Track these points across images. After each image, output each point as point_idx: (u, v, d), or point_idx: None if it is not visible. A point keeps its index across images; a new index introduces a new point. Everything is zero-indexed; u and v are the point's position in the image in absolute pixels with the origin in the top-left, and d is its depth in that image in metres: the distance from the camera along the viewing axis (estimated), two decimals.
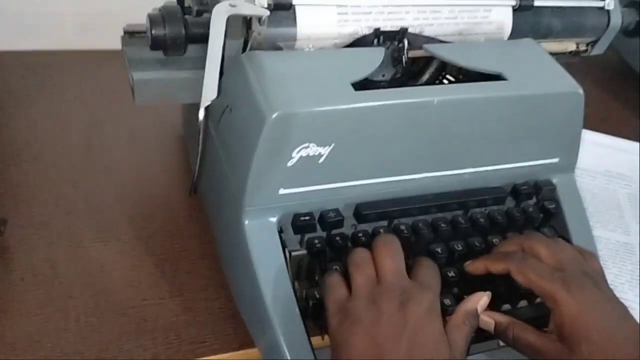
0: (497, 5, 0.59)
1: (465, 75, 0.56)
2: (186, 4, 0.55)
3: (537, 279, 0.47)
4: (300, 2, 0.52)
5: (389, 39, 0.56)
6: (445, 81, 0.59)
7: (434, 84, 0.58)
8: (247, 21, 0.51)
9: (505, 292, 0.52)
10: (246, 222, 0.49)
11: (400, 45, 0.56)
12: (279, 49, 0.52)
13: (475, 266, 0.51)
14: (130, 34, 0.54)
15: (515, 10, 0.59)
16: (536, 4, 0.60)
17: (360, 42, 0.55)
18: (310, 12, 0.53)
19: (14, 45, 0.81)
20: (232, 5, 0.49)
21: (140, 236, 0.61)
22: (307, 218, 0.50)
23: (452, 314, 0.47)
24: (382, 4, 0.55)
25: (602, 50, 0.67)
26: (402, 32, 0.56)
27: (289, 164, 0.47)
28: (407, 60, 0.56)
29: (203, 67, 0.49)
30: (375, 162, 0.51)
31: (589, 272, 0.48)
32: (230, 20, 0.49)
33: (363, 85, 0.50)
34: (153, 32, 0.50)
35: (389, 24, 0.55)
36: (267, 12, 0.50)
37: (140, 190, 0.66)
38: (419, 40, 0.56)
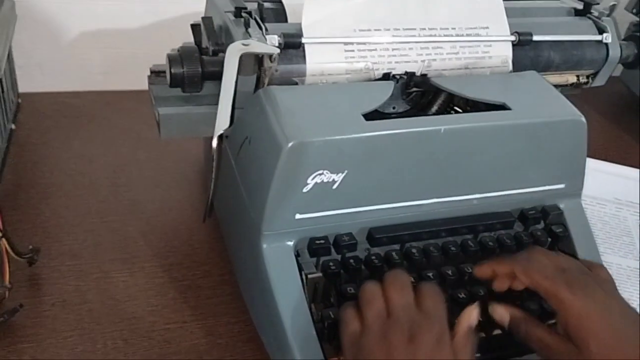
0: (498, 41, 0.62)
1: (472, 107, 0.59)
2: (203, 45, 0.59)
3: (540, 279, 0.48)
4: (309, 41, 0.56)
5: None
6: (452, 112, 0.62)
7: (442, 115, 0.61)
8: (259, 59, 0.54)
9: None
10: (264, 246, 0.51)
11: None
12: (294, 83, 0.56)
13: (483, 270, 0.52)
14: (156, 74, 0.58)
15: (514, 45, 0.62)
16: (535, 38, 0.62)
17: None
18: (318, 50, 0.56)
19: (44, 87, 0.86)
20: (244, 45, 0.52)
21: (163, 265, 0.63)
22: (322, 242, 0.53)
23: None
24: (387, 41, 0.58)
25: (603, 82, 0.70)
26: (410, 77, 0.59)
27: (305, 190, 0.50)
28: (416, 93, 0.59)
29: None
30: (386, 188, 0.53)
31: (591, 276, 0.49)
32: (243, 58, 0.52)
33: (374, 117, 0.53)
34: (172, 70, 0.54)
35: (394, 60, 0.58)
36: (278, 50, 0.53)
37: (163, 223, 0.69)
38: (426, 79, 0.59)
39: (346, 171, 0.51)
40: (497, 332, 0.54)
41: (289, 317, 0.51)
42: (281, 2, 0.62)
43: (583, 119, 0.57)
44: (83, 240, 0.65)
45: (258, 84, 0.55)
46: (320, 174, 0.50)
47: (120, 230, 0.67)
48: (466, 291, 0.54)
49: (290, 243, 0.52)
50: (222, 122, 0.51)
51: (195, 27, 0.61)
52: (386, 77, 0.58)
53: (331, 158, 0.50)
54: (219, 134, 0.51)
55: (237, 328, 0.58)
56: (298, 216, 0.51)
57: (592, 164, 0.74)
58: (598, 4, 0.70)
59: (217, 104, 0.55)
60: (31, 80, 0.86)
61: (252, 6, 0.58)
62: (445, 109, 0.62)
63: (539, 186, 0.59)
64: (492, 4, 0.63)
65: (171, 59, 0.55)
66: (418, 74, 0.59)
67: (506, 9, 0.63)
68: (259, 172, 0.52)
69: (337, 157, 0.50)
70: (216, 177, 0.55)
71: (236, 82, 0.52)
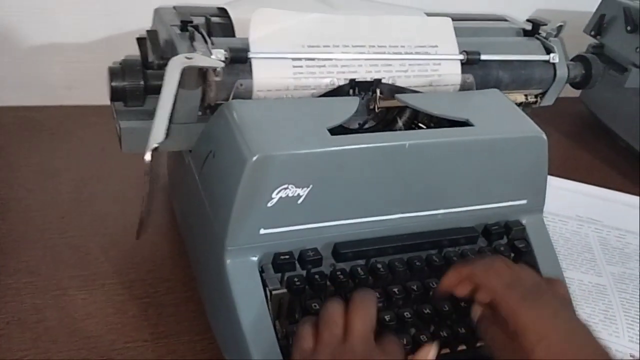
0: (446, 59, 0.62)
1: (436, 123, 0.60)
2: (150, 59, 0.58)
3: (496, 284, 0.48)
4: (256, 55, 0.55)
5: (364, 89, 0.59)
6: (417, 128, 0.62)
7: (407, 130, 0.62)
8: (203, 73, 0.54)
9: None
10: (228, 261, 0.51)
11: (374, 95, 0.59)
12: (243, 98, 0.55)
13: (449, 278, 0.51)
14: None
15: (463, 63, 0.63)
16: (483, 57, 0.63)
17: (336, 92, 0.58)
18: (265, 65, 0.56)
19: (4, 101, 0.85)
20: (188, 58, 0.52)
21: (124, 282, 0.62)
22: (287, 257, 0.52)
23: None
24: (335, 57, 0.58)
25: (551, 101, 0.71)
26: (376, 83, 0.59)
27: (269, 204, 0.50)
28: (380, 108, 0.59)
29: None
30: (352, 203, 0.53)
31: (547, 289, 0.49)
32: (186, 72, 0.52)
33: (339, 132, 0.53)
34: (113, 83, 0.53)
35: (342, 77, 0.58)
36: (222, 64, 0.53)
37: (125, 238, 0.67)
38: (391, 90, 0.60)
39: (311, 186, 0.50)
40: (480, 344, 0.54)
41: (253, 334, 0.50)
42: (229, 18, 0.61)
43: (544, 135, 0.58)
44: (42, 257, 0.63)
45: (204, 99, 0.55)
46: (285, 188, 0.50)
47: (81, 247, 0.65)
48: (431, 307, 0.54)
49: (255, 258, 0.52)
50: (157, 136, 0.50)
51: (141, 41, 0.60)
52: (351, 84, 0.58)
53: (296, 172, 0.50)
54: (152, 147, 0.50)
55: (199, 346, 0.57)
56: (262, 231, 0.51)
57: (554, 181, 0.76)
58: (546, 24, 0.71)
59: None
60: None
61: (200, 20, 0.58)
62: (409, 125, 0.62)
63: (502, 202, 0.60)
64: (441, 23, 0.64)
65: (112, 72, 0.54)
66: None
67: (456, 28, 0.64)
68: (223, 186, 0.51)
69: (302, 171, 0.50)
70: (150, 193, 0.54)
71: (176, 95, 0.51)
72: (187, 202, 0.62)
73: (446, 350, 0.54)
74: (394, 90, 0.60)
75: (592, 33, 0.96)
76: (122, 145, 0.55)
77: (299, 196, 0.51)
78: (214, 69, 0.53)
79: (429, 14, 0.67)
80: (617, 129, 0.98)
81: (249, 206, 0.50)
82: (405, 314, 0.53)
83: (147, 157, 0.50)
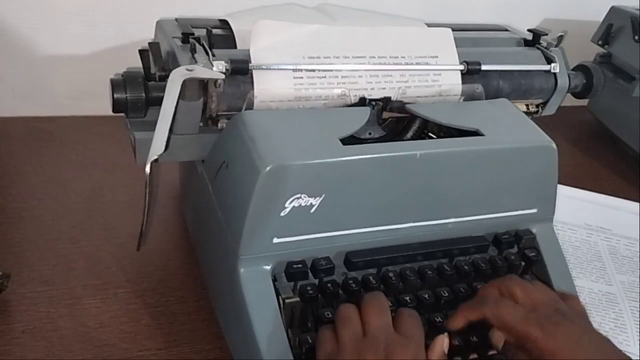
0: (447, 70, 0.63)
1: (446, 133, 0.60)
2: (152, 71, 0.58)
3: (512, 323, 0.49)
4: (257, 67, 0.55)
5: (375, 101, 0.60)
6: (427, 138, 0.62)
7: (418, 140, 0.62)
8: (204, 84, 0.54)
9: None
10: (241, 270, 0.51)
11: (384, 106, 0.60)
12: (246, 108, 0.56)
13: (456, 322, 0.52)
14: None
15: (463, 74, 0.63)
16: (484, 68, 0.63)
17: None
18: (266, 76, 0.56)
19: (16, 112, 0.85)
20: (189, 70, 0.52)
21: (137, 291, 0.62)
22: (299, 266, 0.52)
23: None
24: (336, 68, 0.58)
25: (552, 111, 0.71)
26: (385, 101, 0.60)
27: (282, 214, 0.50)
28: (392, 119, 0.60)
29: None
30: (363, 212, 0.54)
31: (562, 310, 0.49)
32: (187, 84, 0.52)
33: (351, 142, 0.53)
34: (115, 95, 0.54)
35: (344, 87, 0.58)
36: (222, 76, 0.53)
37: (137, 248, 0.68)
38: (401, 107, 0.60)
39: (324, 195, 0.51)
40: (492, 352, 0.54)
41: (266, 343, 0.50)
42: (231, 29, 0.62)
43: (554, 145, 0.58)
44: (54, 266, 0.64)
45: (205, 110, 0.55)
46: (298, 198, 0.50)
47: (93, 256, 0.66)
48: (443, 315, 0.55)
49: (268, 267, 0.52)
50: (157, 147, 0.50)
51: (143, 53, 0.60)
52: (362, 102, 0.59)
53: (309, 182, 0.50)
54: (152, 159, 0.50)
55: (212, 355, 0.57)
56: (275, 240, 0.51)
57: (563, 190, 0.76)
58: (547, 34, 0.71)
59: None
60: (3, 104, 0.85)
61: (201, 32, 0.58)
62: (419, 135, 0.63)
63: (512, 211, 0.60)
64: (441, 34, 0.64)
65: (114, 84, 0.54)
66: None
67: (456, 39, 0.64)
68: (236, 196, 0.52)
69: (315, 181, 0.50)
70: (149, 205, 0.54)
71: (177, 107, 0.52)
72: (200, 211, 0.62)
73: (458, 359, 0.54)
74: (403, 107, 0.60)
75: (600, 42, 0.97)
76: (137, 156, 0.56)
77: (311, 205, 0.51)
78: (215, 81, 0.53)
79: (429, 25, 0.67)
80: (624, 137, 0.98)
81: (263, 216, 0.50)
82: None
83: (147, 169, 0.50)
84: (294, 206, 0.50)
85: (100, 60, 0.86)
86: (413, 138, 0.62)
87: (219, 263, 0.56)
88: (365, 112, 0.57)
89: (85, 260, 0.65)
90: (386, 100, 0.60)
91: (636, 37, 0.91)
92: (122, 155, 0.78)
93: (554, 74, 0.68)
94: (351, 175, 0.52)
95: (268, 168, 0.49)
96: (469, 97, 0.64)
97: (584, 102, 1.04)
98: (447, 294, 0.56)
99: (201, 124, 0.57)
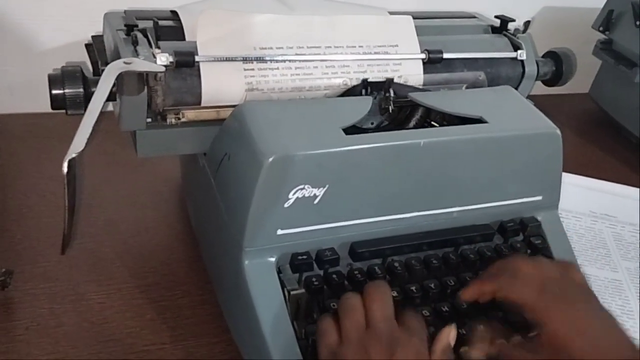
0: (407, 59, 0.61)
1: (449, 121, 0.60)
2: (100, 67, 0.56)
3: (526, 295, 0.49)
4: (205, 59, 0.53)
5: (376, 89, 0.59)
6: (430, 127, 0.62)
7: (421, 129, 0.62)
8: (144, 78, 0.52)
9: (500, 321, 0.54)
10: (246, 262, 0.51)
11: (387, 94, 0.59)
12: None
13: (469, 292, 0.52)
14: None
15: (425, 63, 0.62)
16: (446, 56, 0.62)
17: (349, 92, 0.58)
18: (214, 68, 0.54)
19: (14, 109, 0.85)
20: (126, 63, 0.50)
21: (140, 286, 0.62)
22: (304, 257, 0.52)
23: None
24: (289, 59, 0.56)
25: None
26: (389, 83, 0.59)
27: (286, 205, 0.50)
28: (393, 108, 0.59)
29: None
30: (367, 202, 0.53)
31: (572, 286, 0.50)
32: (125, 77, 0.50)
33: (353, 132, 0.53)
34: (52, 91, 0.52)
35: (297, 79, 0.57)
36: (162, 69, 0.51)
37: (140, 243, 0.67)
38: (404, 89, 0.60)
39: (327, 185, 0.51)
40: None
41: (272, 335, 0.50)
42: (180, 20, 0.59)
43: (558, 131, 0.58)
44: (57, 262, 0.63)
45: (151, 104, 0.53)
46: (301, 189, 0.50)
47: (96, 251, 0.65)
48: (449, 304, 0.54)
49: (272, 259, 0.52)
50: (77, 145, 0.47)
51: (89, 47, 0.58)
52: (364, 84, 0.58)
53: (312, 172, 0.50)
54: (70, 157, 0.47)
55: (218, 348, 0.56)
56: (280, 232, 0.51)
57: (567, 178, 0.76)
58: (514, 20, 0.70)
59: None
60: (0, 101, 0.84)
61: (148, 24, 0.56)
62: (422, 124, 0.62)
63: (517, 198, 0.60)
64: (402, 22, 0.62)
65: (51, 79, 0.52)
66: None
67: (420, 27, 0.63)
68: (239, 188, 0.51)
69: (318, 171, 0.50)
70: (70, 206, 0.51)
71: (121, 102, 0.50)
72: (202, 204, 0.62)
73: (465, 348, 0.54)
74: (407, 89, 0.60)
75: (601, 29, 0.96)
76: (138, 150, 0.55)
77: (315, 196, 0.51)
78: (155, 74, 0.51)
79: (393, 14, 0.65)
80: (627, 124, 0.97)
81: (266, 207, 0.50)
82: (423, 312, 0.53)
83: (64, 168, 0.47)
84: (297, 197, 0.50)
85: None
86: (416, 127, 0.61)
87: (223, 256, 0.55)
88: (367, 102, 0.57)
89: (88, 256, 0.65)
90: (389, 81, 0.59)
91: (637, 23, 0.90)
92: (121, 150, 0.78)
93: (521, 61, 0.67)
94: (355, 165, 0.51)
95: (271, 159, 0.48)
96: (471, 85, 0.63)
97: (585, 89, 1.04)
98: (453, 283, 0.55)
99: (149, 120, 0.55)
